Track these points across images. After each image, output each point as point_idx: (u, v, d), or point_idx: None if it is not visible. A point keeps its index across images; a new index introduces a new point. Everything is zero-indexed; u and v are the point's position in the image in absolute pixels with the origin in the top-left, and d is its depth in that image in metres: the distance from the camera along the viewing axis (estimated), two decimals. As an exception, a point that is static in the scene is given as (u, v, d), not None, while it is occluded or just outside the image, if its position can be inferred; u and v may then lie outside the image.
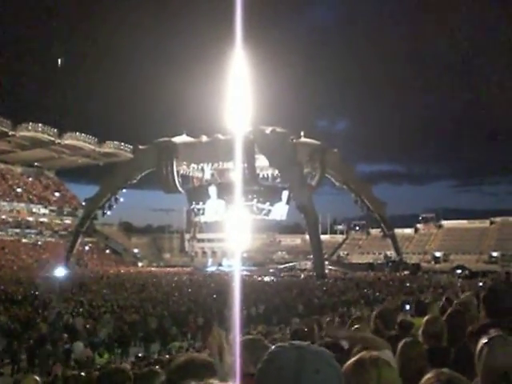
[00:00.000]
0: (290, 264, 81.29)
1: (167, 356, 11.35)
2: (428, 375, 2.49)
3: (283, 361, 1.71)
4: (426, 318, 5.16)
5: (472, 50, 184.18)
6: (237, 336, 4.56)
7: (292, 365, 1.68)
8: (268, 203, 74.44)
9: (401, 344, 4.18)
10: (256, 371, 1.75)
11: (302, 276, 60.87)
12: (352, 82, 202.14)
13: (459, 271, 62.42)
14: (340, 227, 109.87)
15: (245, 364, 3.08)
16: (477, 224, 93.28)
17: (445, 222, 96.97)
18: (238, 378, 2.94)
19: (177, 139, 72.93)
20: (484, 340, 2.94)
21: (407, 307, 9.99)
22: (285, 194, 73.47)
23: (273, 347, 1.75)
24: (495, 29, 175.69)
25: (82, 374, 10.05)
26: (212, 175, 79.98)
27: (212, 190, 74.06)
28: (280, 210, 76.25)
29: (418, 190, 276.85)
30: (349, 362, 2.51)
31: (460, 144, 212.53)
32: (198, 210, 78.37)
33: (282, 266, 79.04)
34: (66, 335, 18.18)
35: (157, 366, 7.85)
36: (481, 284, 27.16)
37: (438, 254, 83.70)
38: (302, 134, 73.97)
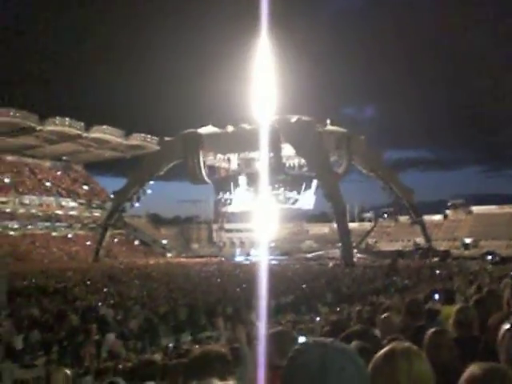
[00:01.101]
0: (318, 253, 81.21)
1: (197, 346, 11.43)
2: (471, 369, 2.41)
3: (308, 358, 1.71)
4: (456, 306, 5.11)
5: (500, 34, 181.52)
6: (264, 326, 4.55)
7: (317, 362, 1.68)
8: (295, 192, 74.42)
9: (428, 333, 4.13)
10: (282, 369, 1.75)
11: (331, 264, 60.66)
12: (378, 69, 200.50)
13: (489, 257, 61.75)
14: (368, 215, 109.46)
15: (272, 356, 3.07)
16: (507, 209, 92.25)
17: (474, 208, 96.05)
18: (262, 369, 2.94)
19: (202, 130, 73.18)
20: (506, 326, 2.89)
21: (436, 296, 9.88)
22: (314, 183, 73.24)
23: (297, 345, 1.74)
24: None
25: (114, 365, 10.14)
26: (238, 165, 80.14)
27: (242, 179, 74.18)
28: (307, 199, 76.12)
29: (447, 175, 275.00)
30: (379, 353, 2.48)
31: (488, 128, 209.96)
32: (226, 200, 78.62)
33: (309, 255, 78.99)
34: (96, 326, 18.35)
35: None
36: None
37: (467, 241, 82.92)
38: (328, 121, 73.61)
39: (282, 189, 72.45)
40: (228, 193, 76.57)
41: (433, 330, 4.22)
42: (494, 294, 5.81)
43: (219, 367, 2.84)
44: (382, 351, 2.49)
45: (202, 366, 2.83)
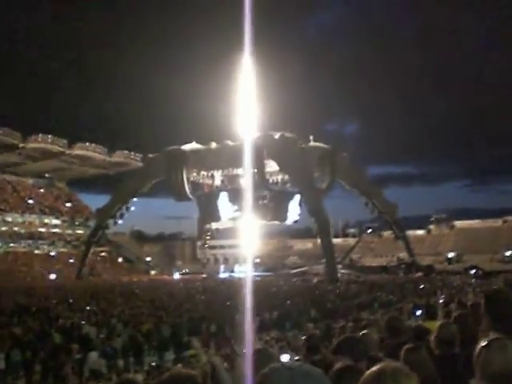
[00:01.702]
0: (303, 268, 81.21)
1: (179, 365, 11.37)
2: None
3: (275, 382, 1.72)
4: (438, 323, 5.12)
5: (482, 49, 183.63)
6: (249, 345, 4.54)
7: None
8: (284, 208, 74.21)
9: (403, 350, 4.15)
10: None
11: (315, 280, 60.62)
12: (361, 85, 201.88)
13: (472, 271, 62.05)
14: (352, 230, 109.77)
15: (252, 375, 3.07)
16: (489, 223, 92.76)
17: (457, 223, 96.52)
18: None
19: (186, 147, 73.08)
20: (482, 343, 2.91)
21: (418, 312, 9.91)
22: (297, 197, 73.21)
23: (265, 369, 1.75)
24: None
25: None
26: (222, 181, 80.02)
27: (225, 195, 74.13)
28: (292, 214, 75.86)
29: (430, 190, 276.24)
30: (368, 373, 2.47)
31: (471, 144, 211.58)
32: (209, 216, 78.42)
33: (294, 271, 78.98)
34: (79, 345, 18.20)
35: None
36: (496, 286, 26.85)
37: (450, 255, 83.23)
38: (312, 138, 73.82)
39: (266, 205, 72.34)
40: (212, 209, 76.37)
41: (408, 346, 4.24)
42: (475, 309, 5.84)
43: None
44: (371, 370, 2.49)
45: None
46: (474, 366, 2.90)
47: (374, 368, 2.48)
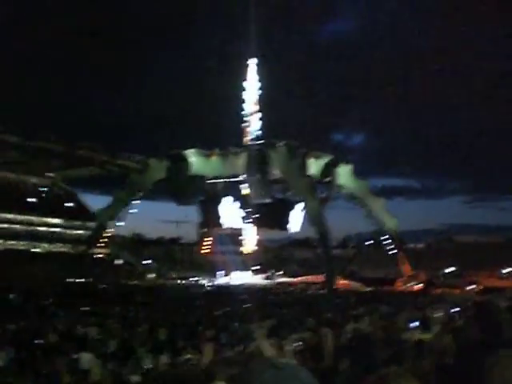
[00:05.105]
0: (302, 277, 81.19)
1: (175, 368, 11.35)
2: None
3: (260, 380, 1.72)
4: (431, 334, 5.14)
5: (487, 63, 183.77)
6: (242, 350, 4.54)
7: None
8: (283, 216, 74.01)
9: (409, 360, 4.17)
10: None
11: (313, 290, 60.61)
12: (369, 96, 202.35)
13: (471, 287, 61.97)
14: (352, 241, 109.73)
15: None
16: (490, 239, 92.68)
17: (458, 237, 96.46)
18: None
19: (189, 152, 73.06)
20: (494, 358, 2.87)
21: (414, 324, 9.91)
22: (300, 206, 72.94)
23: (251, 366, 1.74)
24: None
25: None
26: (224, 187, 79.94)
27: (227, 201, 74.02)
28: (294, 222, 75.62)
29: (432, 204, 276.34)
30: (371, 377, 2.49)
31: (474, 159, 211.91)
32: (210, 221, 78.31)
33: (293, 280, 78.87)
34: (74, 345, 18.15)
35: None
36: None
37: (450, 270, 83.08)
38: (316, 147, 73.76)
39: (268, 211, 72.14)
40: (213, 215, 76.27)
41: (411, 355, 4.26)
42: (470, 322, 5.84)
43: None
44: (375, 375, 2.50)
45: None
46: (486, 381, 2.85)
47: (378, 373, 2.50)
